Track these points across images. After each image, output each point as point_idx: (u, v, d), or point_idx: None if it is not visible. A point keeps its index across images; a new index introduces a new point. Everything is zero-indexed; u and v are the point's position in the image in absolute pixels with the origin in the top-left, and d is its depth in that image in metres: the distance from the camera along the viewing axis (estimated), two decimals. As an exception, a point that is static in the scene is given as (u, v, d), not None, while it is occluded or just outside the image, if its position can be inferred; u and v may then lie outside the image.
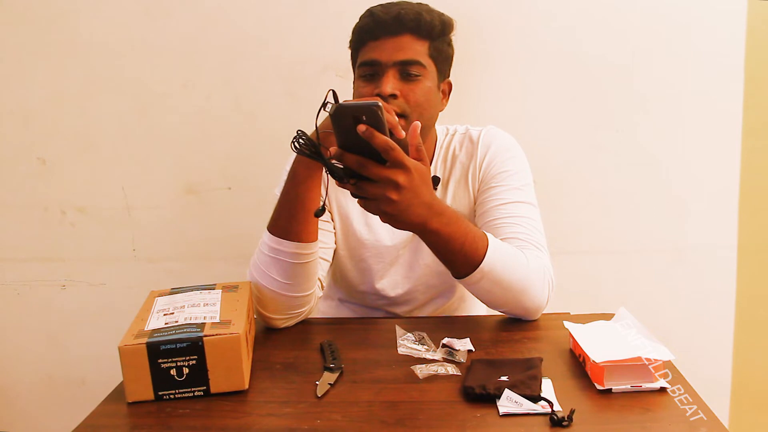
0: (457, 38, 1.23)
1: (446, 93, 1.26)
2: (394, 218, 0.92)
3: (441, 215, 0.97)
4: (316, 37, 1.62)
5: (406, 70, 1.15)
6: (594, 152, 1.67)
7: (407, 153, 0.90)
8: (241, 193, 1.70)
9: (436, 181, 1.27)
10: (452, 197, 1.27)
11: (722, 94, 1.64)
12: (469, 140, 1.28)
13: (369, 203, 0.91)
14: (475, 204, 1.26)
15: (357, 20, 1.20)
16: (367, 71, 1.17)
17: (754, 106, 1.64)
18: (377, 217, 0.93)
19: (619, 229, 1.71)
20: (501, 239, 1.10)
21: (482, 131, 1.28)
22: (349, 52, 1.24)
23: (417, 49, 1.15)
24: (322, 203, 0.97)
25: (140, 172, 1.70)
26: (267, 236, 1.11)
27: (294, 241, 1.08)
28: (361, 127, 0.84)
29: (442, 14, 1.19)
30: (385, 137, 0.85)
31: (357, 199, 0.92)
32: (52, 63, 1.65)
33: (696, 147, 1.66)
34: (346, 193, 1.27)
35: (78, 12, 1.63)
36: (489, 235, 1.06)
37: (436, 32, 1.17)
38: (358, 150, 0.86)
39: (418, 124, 0.93)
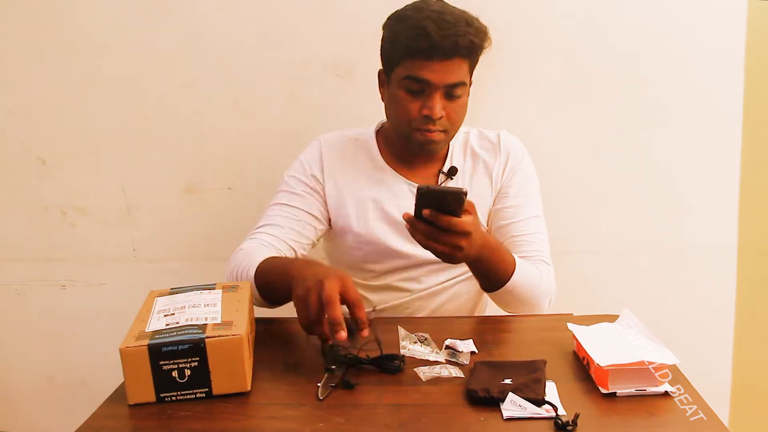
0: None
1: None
2: (459, 260, 1.05)
3: (488, 248, 1.10)
4: (316, 37, 1.61)
5: (452, 92, 1.20)
6: (594, 152, 1.67)
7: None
8: (241, 193, 1.70)
9: (453, 171, 1.32)
10: (475, 189, 1.31)
11: (722, 94, 1.64)
12: (489, 141, 1.34)
13: (441, 254, 1.03)
14: (494, 199, 1.32)
15: (389, 21, 1.23)
16: (414, 87, 1.19)
17: (754, 106, 1.64)
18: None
19: (619, 229, 1.71)
20: (520, 256, 1.22)
21: (500, 134, 1.35)
22: (369, 48, 1.27)
23: (463, 70, 1.20)
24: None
25: (140, 172, 1.70)
26: (254, 277, 1.15)
27: (274, 305, 1.18)
28: (444, 220, 0.98)
29: (485, 29, 1.21)
30: (460, 221, 0.99)
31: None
32: (52, 63, 1.64)
33: (696, 147, 1.66)
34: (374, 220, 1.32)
35: (78, 12, 1.62)
36: (517, 259, 1.18)
37: (480, 51, 1.22)
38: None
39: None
